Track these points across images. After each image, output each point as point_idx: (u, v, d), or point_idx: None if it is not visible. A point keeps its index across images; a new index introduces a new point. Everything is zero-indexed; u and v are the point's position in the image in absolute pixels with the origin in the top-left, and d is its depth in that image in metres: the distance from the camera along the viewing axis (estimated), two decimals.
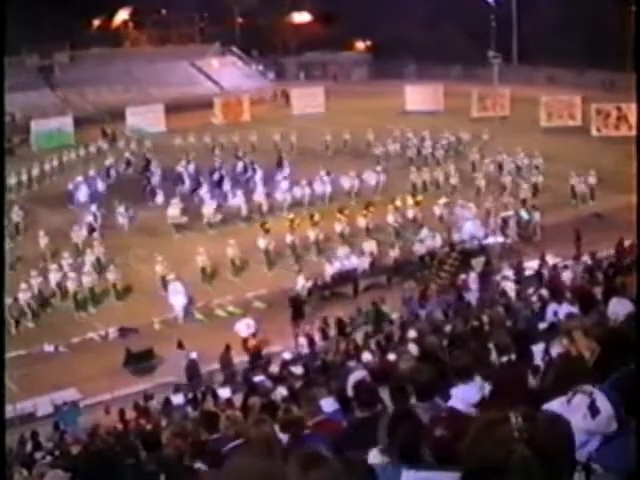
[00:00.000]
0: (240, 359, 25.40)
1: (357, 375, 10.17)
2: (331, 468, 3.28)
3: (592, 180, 38.30)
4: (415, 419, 5.36)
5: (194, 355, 24.47)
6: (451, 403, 6.31)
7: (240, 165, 45.54)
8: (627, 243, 25.81)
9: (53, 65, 73.65)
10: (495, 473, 2.58)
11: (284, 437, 6.96)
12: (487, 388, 6.67)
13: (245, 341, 26.03)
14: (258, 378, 21.49)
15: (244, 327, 26.38)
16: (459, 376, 6.68)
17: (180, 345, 24.51)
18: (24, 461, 16.92)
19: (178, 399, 21.66)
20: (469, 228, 32.97)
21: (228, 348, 24.77)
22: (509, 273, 28.31)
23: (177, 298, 28.99)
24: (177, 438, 10.15)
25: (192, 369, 24.30)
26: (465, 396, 6.29)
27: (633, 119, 47.08)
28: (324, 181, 40.34)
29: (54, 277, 30.34)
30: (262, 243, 32.55)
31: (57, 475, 10.59)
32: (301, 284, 29.28)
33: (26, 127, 57.96)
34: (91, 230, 36.15)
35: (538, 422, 2.79)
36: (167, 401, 21.43)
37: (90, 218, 36.92)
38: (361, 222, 34.67)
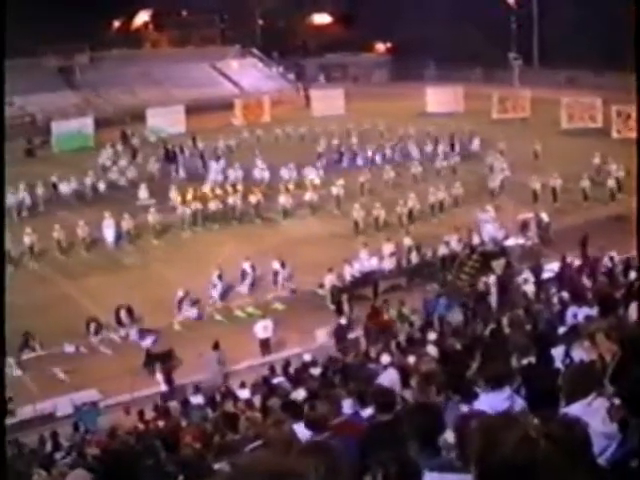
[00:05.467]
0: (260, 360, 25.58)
1: (387, 375, 10.11)
2: (331, 455, 3.29)
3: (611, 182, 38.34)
4: (435, 409, 5.41)
5: (343, 321, 26.13)
6: (477, 406, 6.29)
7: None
8: None
9: (74, 66, 73.79)
10: (520, 471, 2.58)
11: (307, 434, 6.96)
12: (518, 401, 6.66)
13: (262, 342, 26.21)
14: (277, 380, 21.53)
15: (261, 329, 26.46)
16: (490, 384, 6.66)
17: (216, 346, 24.61)
18: (43, 461, 16.99)
19: (197, 400, 21.69)
20: (489, 230, 32.87)
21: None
22: (529, 275, 28.19)
23: (108, 231, 36.81)
24: (196, 439, 10.18)
25: (340, 332, 25.93)
26: (492, 403, 6.26)
27: None
28: (263, 169, 45.23)
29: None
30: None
31: (80, 475, 10.60)
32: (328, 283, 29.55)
33: (47, 128, 58.06)
34: None
35: (556, 422, 2.79)
36: (186, 402, 21.47)
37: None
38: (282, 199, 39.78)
